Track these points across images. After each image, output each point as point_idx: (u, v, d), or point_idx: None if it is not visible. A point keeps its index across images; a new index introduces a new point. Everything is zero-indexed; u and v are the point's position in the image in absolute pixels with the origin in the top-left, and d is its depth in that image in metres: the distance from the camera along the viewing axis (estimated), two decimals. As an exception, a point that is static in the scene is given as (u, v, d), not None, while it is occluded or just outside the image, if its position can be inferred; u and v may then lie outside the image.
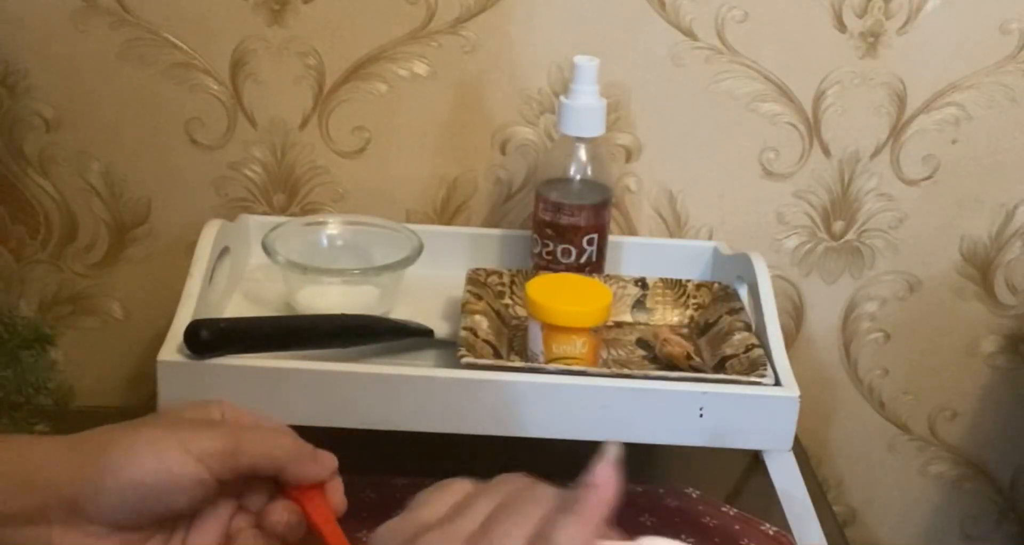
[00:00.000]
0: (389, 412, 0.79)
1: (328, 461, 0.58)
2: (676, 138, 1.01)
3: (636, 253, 1.00)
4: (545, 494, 0.51)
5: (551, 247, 0.91)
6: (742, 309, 0.89)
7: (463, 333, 0.83)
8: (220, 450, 0.55)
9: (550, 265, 0.92)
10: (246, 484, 0.58)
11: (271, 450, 0.56)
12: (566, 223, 0.90)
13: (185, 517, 0.57)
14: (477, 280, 0.91)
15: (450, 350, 0.83)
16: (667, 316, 0.93)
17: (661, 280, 0.94)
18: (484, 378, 0.78)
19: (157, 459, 0.54)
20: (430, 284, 0.95)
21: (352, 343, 0.85)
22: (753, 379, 0.80)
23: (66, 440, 0.56)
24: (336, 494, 0.59)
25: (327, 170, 1.01)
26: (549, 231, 0.91)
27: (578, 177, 0.91)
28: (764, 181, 1.03)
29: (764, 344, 0.84)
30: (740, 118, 1.00)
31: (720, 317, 0.89)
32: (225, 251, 0.91)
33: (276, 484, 0.58)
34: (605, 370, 0.81)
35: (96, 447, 0.55)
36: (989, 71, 1.00)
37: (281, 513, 0.57)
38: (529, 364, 0.81)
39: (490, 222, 1.03)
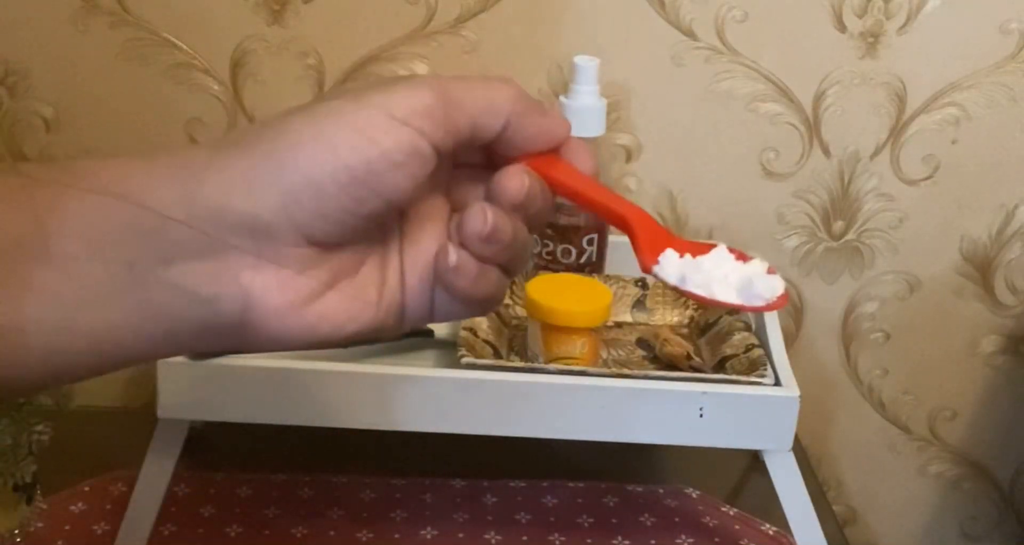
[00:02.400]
0: (389, 412, 0.79)
1: (562, 116, 0.46)
2: (676, 138, 1.01)
3: (636, 253, 1.00)
4: None
5: (551, 247, 0.91)
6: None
7: (463, 333, 0.83)
8: (430, 106, 0.42)
9: (550, 265, 0.92)
10: (456, 177, 0.46)
11: (492, 99, 0.43)
12: (566, 223, 0.90)
13: (394, 232, 0.45)
14: (477, 280, 0.91)
15: (450, 350, 0.83)
16: (667, 316, 0.93)
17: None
18: (484, 378, 0.78)
19: (355, 133, 0.41)
20: (430, 284, 0.95)
21: (352, 343, 0.85)
22: (753, 379, 0.80)
23: (218, 144, 0.42)
24: (582, 155, 0.46)
25: (327, 170, 1.01)
26: (549, 231, 0.91)
27: (578, 177, 0.91)
28: (764, 181, 1.03)
29: (764, 344, 0.84)
30: (740, 118, 1.00)
31: (720, 317, 0.89)
32: (225, 251, 0.91)
33: (495, 164, 0.45)
34: (605, 370, 0.81)
35: (269, 141, 0.41)
36: (989, 71, 1.00)
37: (514, 177, 0.43)
38: (529, 364, 0.81)
39: (490, 222, 1.03)
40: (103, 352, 0.42)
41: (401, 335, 0.87)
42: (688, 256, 0.46)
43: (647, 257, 0.46)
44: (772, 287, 0.46)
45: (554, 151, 0.45)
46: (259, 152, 0.41)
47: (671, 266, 0.46)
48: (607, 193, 0.47)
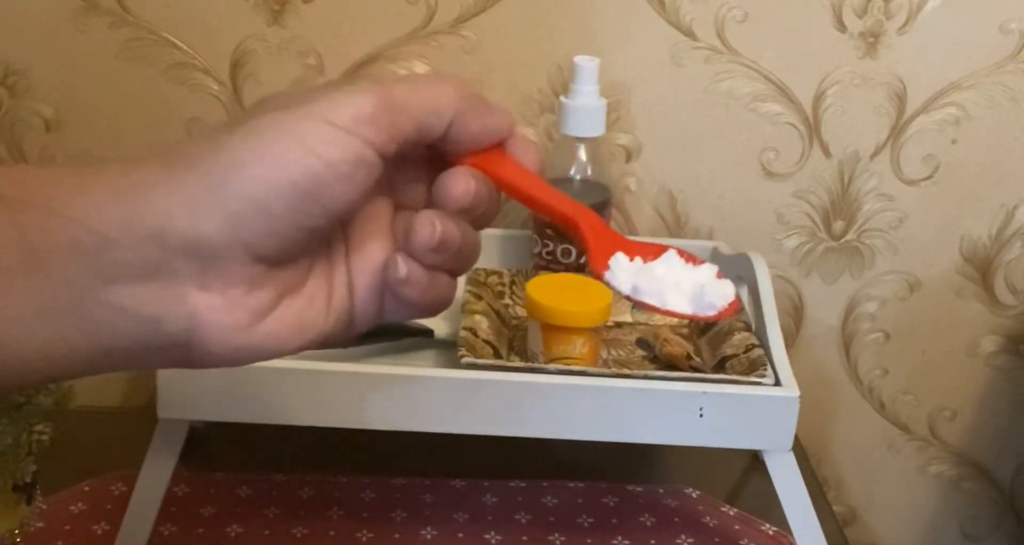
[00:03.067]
0: (389, 412, 0.79)
1: (505, 110, 0.44)
2: (676, 138, 1.01)
3: (636, 253, 1.00)
4: None
5: (551, 247, 0.91)
6: (742, 309, 0.89)
7: (463, 333, 0.83)
8: (373, 112, 0.40)
9: (550, 265, 0.92)
10: (398, 173, 0.44)
11: (436, 100, 0.42)
12: (566, 223, 0.90)
13: (339, 238, 0.44)
14: (477, 280, 0.91)
15: (450, 350, 0.83)
16: (667, 316, 0.93)
17: (661, 280, 0.94)
18: (484, 378, 0.78)
19: (299, 147, 0.39)
20: (430, 284, 0.95)
21: (352, 343, 0.85)
22: (753, 379, 0.80)
23: (165, 160, 0.41)
24: (526, 150, 0.44)
25: (327, 170, 1.01)
26: (549, 231, 0.91)
27: (578, 177, 0.91)
28: (764, 181, 1.03)
29: (764, 344, 0.84)
30: (740, 118, 1.00)
31: (720, 317, 0.89)
32: (225, 251, 0.91)
33: (438, 165, 0.44)
34: (605, 370, 0.81)
35: (212, 160, 0.40)
36: (989, 71, 1.00)
37: (459, 181, 0.42)
38: (529, 364, 0.81)
39: (490, 222, 1.03)
40: (33, 369, 0.41)
41: (401, 335, 0.87)
42: (639, 260, 0.46)
43: (598, 263, 0.45)
44: (724, 294, 0.46)
45: (499, 147, 0.44)
46: (202, 172, 0.40)
47: (623, 273, 0.45)
48: (554, 193, 0.45)
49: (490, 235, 1.00)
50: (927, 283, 1.07)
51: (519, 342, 0.88)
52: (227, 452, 0.93)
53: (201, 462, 0.89)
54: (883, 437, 1.14)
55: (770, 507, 0.84)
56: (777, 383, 0.80)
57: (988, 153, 1.02)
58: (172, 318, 0.40)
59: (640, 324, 0.93)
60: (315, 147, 0.39)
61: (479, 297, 0.88)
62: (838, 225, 1.05)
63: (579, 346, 0.82)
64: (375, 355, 0.86)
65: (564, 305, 0.82)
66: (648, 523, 0.87)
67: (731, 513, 0.89)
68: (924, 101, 1.01)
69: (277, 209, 0.40)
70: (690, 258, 0.46)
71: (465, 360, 0.79)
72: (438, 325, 0.89)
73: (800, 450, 0.91)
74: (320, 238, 0.43)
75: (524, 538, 0.84)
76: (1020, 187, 1.04)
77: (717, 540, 0.86)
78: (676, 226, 1.04)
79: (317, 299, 0.43)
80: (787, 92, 1.00)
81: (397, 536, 0.84)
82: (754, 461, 0.91)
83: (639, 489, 0.91)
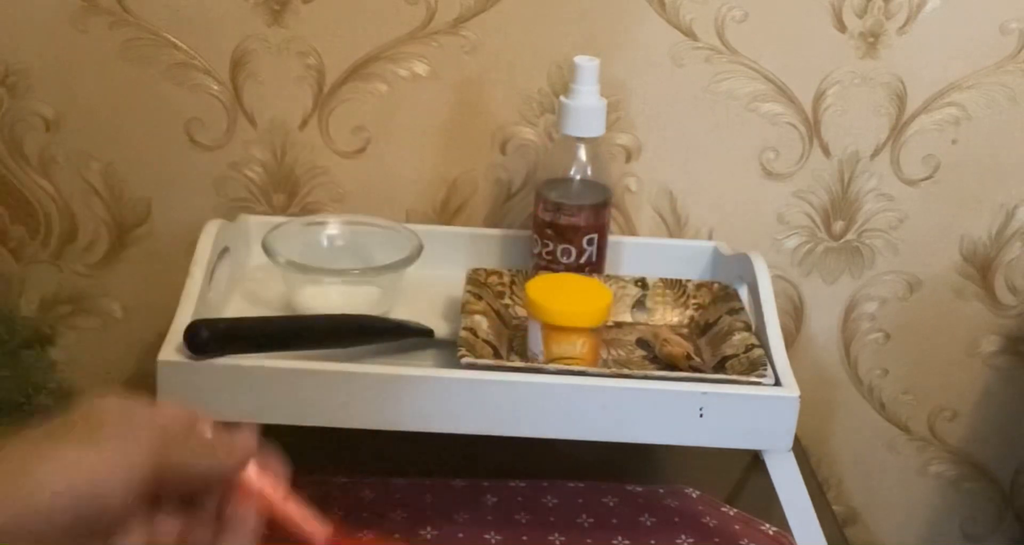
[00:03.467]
0: (389, 412, 0.79)
1: (240, 446, 0.56)
2: (676, 138, 1.01)
3: (636, 253, 1.00)
4: None
5: (551, 247, 0.92)
6: (742, 309, 0.89)
7: (463, 333, 0.83)
8: (133, 473, 0.51)
9: (550, 265, 0.92)
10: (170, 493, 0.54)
11: (193, 466, 0.53)
12: (566, 223, 0.90)
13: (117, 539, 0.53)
14: (477, 280, 0.91)
15: (450, 350, 0.83)
16: (667, 316, 0.93)
17: (661, 280, 0.94)
18: (484, 378, 0.78)
19: (73, 478, 0.50)
20: (430, 284, 0.95)
21: (352, 343, 0.85)
22: (753, 379, 0.80)
23: None
24: (273, 471, 0.56)
25: (327, 170, 1.01)
26: (549, 231, 0.91)
27: (578, 177, 0.91)
28: (764, 181, 1.03)
29: (764, 344, 0.84)
30: (740, 118, 1.00)
31: (720, 317, 0.89)
32: (225, 251, 0.91)
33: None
34: (605, 370, 0.81)
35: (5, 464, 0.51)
36: (989, 71, 1.00)
37: (243, 515, 0.55)
38: (529, 364, 0.81)
39: (490, 222, 1.04)
40: None
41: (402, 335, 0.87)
42: None
43: None
44: None
45: (255, 469, 0.56)
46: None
47: None
48: (297, 513, 0.58)
49: (490, 235, 1.01)
50: (927, 283, 1.07)
51: (519, 342, 0.88)
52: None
53: (201, 462, 0.89)
54: (883, 437, 1.14)
55: (770, 507, 0.84)
56: (777, 383, 0.80)
57: (988, 153, 1.03)
58: None
59: (640, 324, 0.93)
60: (92, 465, 0.50)
61: (479, 297, 0.88)
62: (838, 225, 1.05)
63: (579, 346, 0.82)
64: (375, 355, 0.86)
65: (564, 305, 0.82)
66: (648, 523, 0.87)
67: (731, 513, 0.89)
68: (924, 101, 1.01)
69: (55, 513, 0.49)
70: None
71: (465, 360, 0.79)
72: (438, 325, 0.89)
73: (800, 450, 0.91)
74: (96, 535, 0.51)
75: (524, 538, 0.84)
76: (1020, 187, 1.04)
77: (717, 540, 0.86)
78: (676, 226, 1.04)
79: None
80: (787, 92, 1.00)
81: (397, 536, 0.84)
82: (754, 461, 0.91)
83: (639, 489, 0.91)
